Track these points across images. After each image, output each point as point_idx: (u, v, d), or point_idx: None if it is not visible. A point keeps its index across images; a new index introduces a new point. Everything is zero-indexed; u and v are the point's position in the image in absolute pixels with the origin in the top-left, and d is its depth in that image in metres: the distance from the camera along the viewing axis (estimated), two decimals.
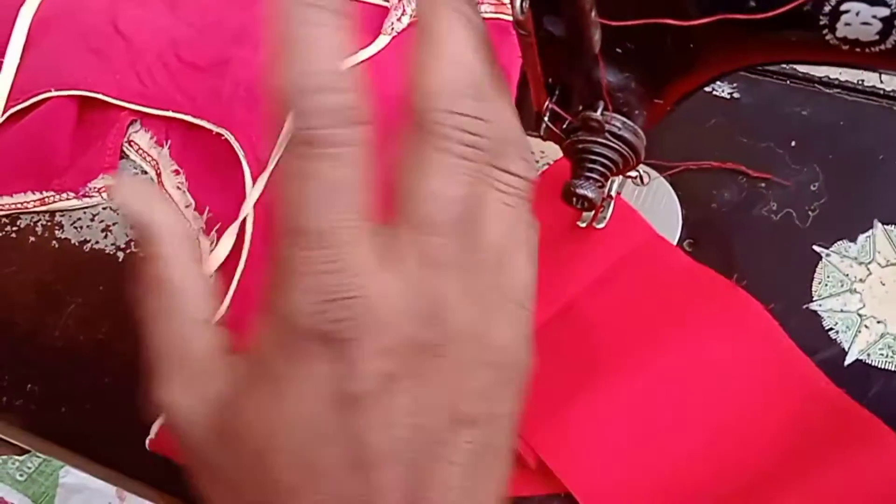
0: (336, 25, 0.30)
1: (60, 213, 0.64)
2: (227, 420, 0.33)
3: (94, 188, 0.64)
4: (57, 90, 0.65)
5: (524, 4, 0.35)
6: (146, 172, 0.65)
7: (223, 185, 0.62)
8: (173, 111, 0.64)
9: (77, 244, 0.63)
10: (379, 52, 0.63)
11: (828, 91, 0.58)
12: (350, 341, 0.30)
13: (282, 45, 0.30)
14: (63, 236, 0.63)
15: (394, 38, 0.64)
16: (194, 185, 0.63)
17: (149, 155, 0.65)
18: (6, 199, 0.64)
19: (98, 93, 0.65)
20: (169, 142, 0.65)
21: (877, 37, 0.33)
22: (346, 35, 0.31)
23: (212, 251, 0.59)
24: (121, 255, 0.62)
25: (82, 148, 0.66)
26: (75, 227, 0.63)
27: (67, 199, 0.64)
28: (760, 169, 0.56)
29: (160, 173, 0.64)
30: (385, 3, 0.66)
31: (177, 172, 0.64)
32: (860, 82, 0.58)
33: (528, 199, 0.34)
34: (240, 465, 0.32)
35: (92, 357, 0.58)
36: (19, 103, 0.66)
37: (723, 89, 0.60)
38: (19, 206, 0.64)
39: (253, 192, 0.59)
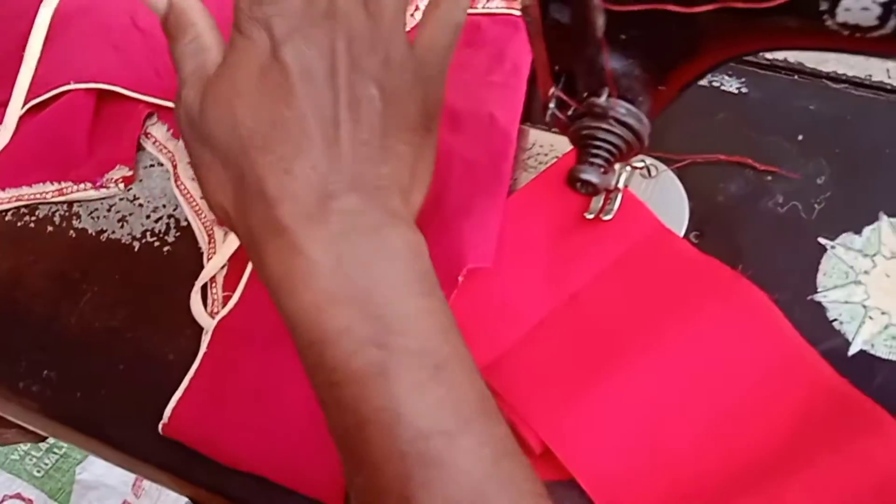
0: None
1: (78, 204, 0.65)
2: (209, 96, 0.44)
3: (112, 179, 0.65)
4: (76, 83, 0.67)
5: None
6: (162, 164, 0.66)
7: None
8: None
9: (94, 234, 0.64)
10: None
11: (835, 86, 0.59)
12: (272, 18, 0.43)
13: None
14: (80, 226, 0.64)
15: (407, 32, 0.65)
16: None
17: (165, 147, 0.66)
18: (25, 190, 0.66)
19: (117, 86, 0.67)
20: None
21: (877, 21, 0.34)
22: None
23: (225, 239, 0.60)
24: (136, 244, 0.63)
25: (100, 140, 0.67)
26: (92, 217, 0.65)
27: (85, 189, 0.65)
28: (767, 162, 0.57)
29: (176, 165, 0.65)
30: None
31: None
32: (868, 77, 0.59)
33: None
34: (218, 125, 0.43)
35: (106, 344, 0.59)
36: (39, 96, 0.67)
37: (731, 84, 0.60)
38: (38, 196, 0.65)
39: None
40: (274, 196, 0.41)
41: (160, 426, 0.55)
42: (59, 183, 0.66)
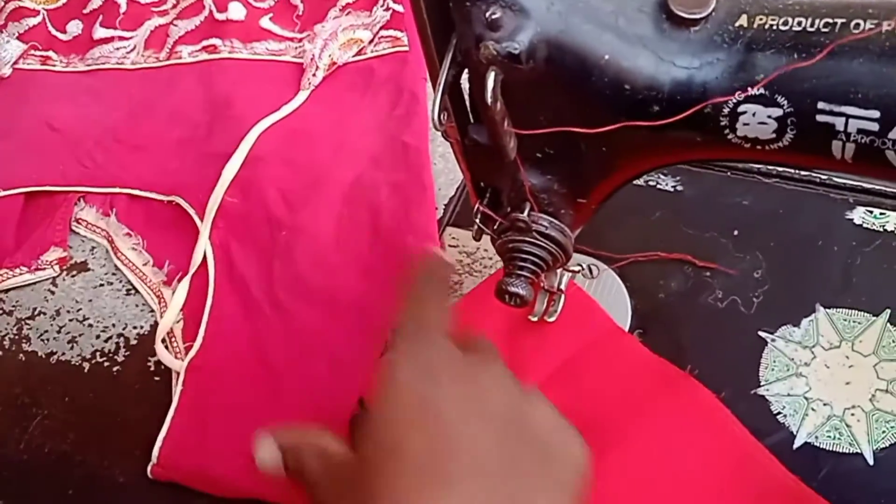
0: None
1: (28, 327, 0.65)
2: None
3: (46, 261, 0.67)
4: (4, 190, 0.70)
5: (441, 117, 0.37)
6: (111, 283, 0.66)
7: (176, 240, 0.67)
8: (119, 187, 0.70)
9: (44, 356, 0.64)
10: (301, 104, 0.72)
11: (766, 181, 0.60)
12: None
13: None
14: (30, 349, 0.64)
15: (312, 91, 0.73)
16: (149, 244, 0.68)
17: (97, 227, 0.69)
18: None
19: (43, 185, 0.70)
20: (115, 210, 0.70)
21: (774, 135, 0.35)
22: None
23: (174, 296, 0.63)
24: (86, 365, 0.63)
25: (31, 228, 0.70)
26: (42, 340, 0.65)
27: (21, 273, 0.67)
28: (705, 258, 0.58)
29: (112, 240, 0.68)
30: (299, 61, 0.75)
31: (129, 235, 0.68)
32: (797, 171, 0.60)
33: None
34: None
35: (56, 468, 0.59)
36: None
37: (666, 182, 0.62)
38: None
39: (201, 240, 0.65)
40: None
41: (149, 468, 0.56)
42: None
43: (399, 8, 0.74)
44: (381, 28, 0.74)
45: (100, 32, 0.81)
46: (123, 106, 0.75)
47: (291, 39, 0.77)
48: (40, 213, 0.70)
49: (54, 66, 0.80)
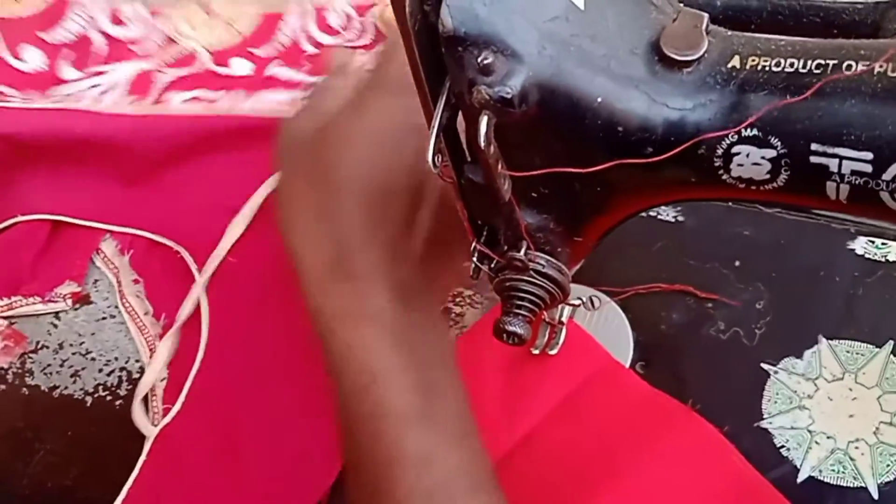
0: None
1: (31, 360, 0.65)
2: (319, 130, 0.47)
3: (60, 294, 0.67)
4: (23, 215, 0.69)
5: (436, 158, 0.37)
6: (114, 317, 0.67)
7: (177, 292, 0.66)
8: (135, 227, 0.69)
9: (47, 390, 0.64)
10: None
11: (768, 211, 0.60)
12: None
13: None
14: (33, 383, 0.64)
15: None
16: (152, 293, 0.67)
17: (112, 262, 0.68)
18: None
19: (63, 215, 0.69)
20: (131, 251, 0.69)
21: (768, 175, 0.35)
22: None
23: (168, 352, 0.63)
24: (89, 399, 0.63)
25: (53, 258, 0.69)
26: (45, 374, 0.65)
27: (33, 303, 0.67)
28: (707, 289, 0.58)
29: (120, 281, 0.67)
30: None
31: (136, 281, 0.67)
32: None
33: None
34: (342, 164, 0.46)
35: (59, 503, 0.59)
36: None
37: (667, 213, 0.62)
38: None
39: (191, 295, 0.64)
40: (361, 245, 0.45)
41: None
42: (9, 298, 0.67)
43: None
44: None
45: (68, 73, 0.75)
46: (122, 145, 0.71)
47: (300, 84, 0.73)
48: (63, 245, 0.69)
49: (9, 101, 0.73)
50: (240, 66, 0.73)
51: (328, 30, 0.74)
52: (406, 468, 0.43)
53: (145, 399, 0.61)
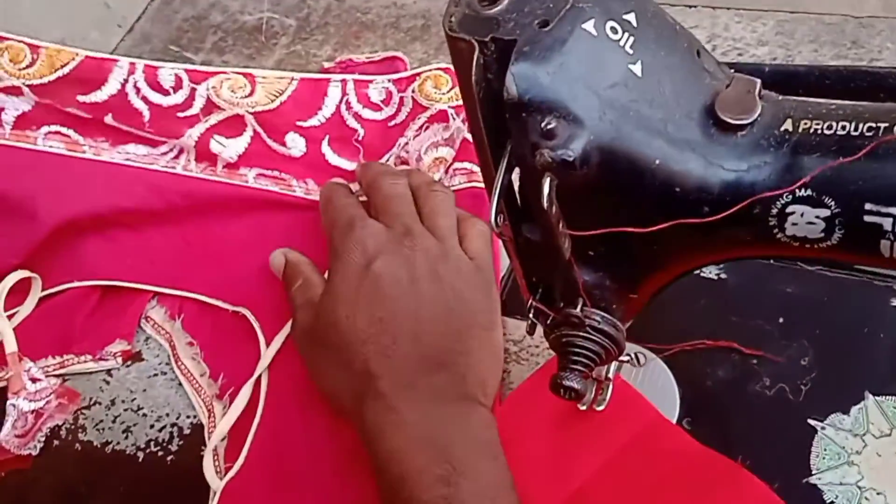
0: None
1: (83, 416, 0.67)
2: (321, 312, 0.59)
3: (110, 352, 0.69)
4: (79, 281, 0.71)
5: (499, 219, 0.39)
6: (165, 373, 0.68)
7: (236, 352, 0.67)
8: (188, 291, 0.70)
9: (99, 446, 0.65)
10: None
11: (809, 268, 0.61)
12: (366, 239, 0.58)
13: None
14: (86, 439, 0.66)
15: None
16: (208, 354, 0.68)
17: (163, 328, 0.70)
18: (29, 363, 0.68)
19: (114, 280, 0.71)
20: (182, 315, 0.70)
21: (822, 234, 0.36)
22: None
23: (224, 414, 0.63)
24: (141, 455, 0.64)
25: (102, 318, 0.70)
26: (97, 430, 0.66)
27: (84, 361, 0.69)
28: (751, 346, 0.59)
29: (174, 346, 0.68)
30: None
31: (191, 344, 0.69)
32: None
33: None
34: (329, 330, 0.57)
35: None
36: (45, 290, 0.72)
37: (710, 271, 0.63)
38: (42, 369, 0.68)
39: (267, 354, 0.65)
40: (376, 373, 0.54)
41: None
42: (61, 357, 0.69)
43: (469, 136, 0.69)
44: (456, 154, 0.70)
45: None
46: (182, 208, 0.73)
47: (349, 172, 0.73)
48: (116, 305, 0.71)
49: (83, 152, 0.74)
50: (294, 144, 0.74)
51: (369, 104, 0.75)
52: None
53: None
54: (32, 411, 0.66)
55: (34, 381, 0.66)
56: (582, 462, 0.56)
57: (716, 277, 0.63)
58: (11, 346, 0.68)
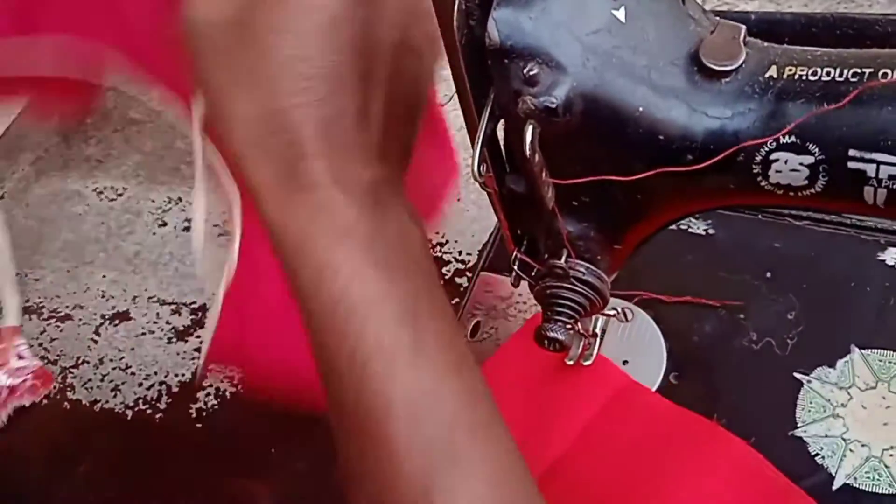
0: None
1: (72, 375, 0.67)
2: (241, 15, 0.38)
3: None
4: None
5: (482, 167, 0.38)
6: (153, 332, 0.68)
7: None
8: None
9: (88, 404, 0.65)
10: None
11: (797, 223, 0.61)
12: None
13: None
14: (74, 397, 0.66)
15: None
16: None
17: None
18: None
19: None
20: None
21: (806, 181, 0.36)
22: None
23: None
24: (129, 413, 0.64)
25: None
26: (86, 388, 0.66)
27: None
28: (738, 301, 0.59)
29: None
30: None
31: None
32: (827, 214, 0.61)
33: None
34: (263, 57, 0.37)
35: None
36: None
37: (698, 226, 0.63)
38: None
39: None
40: (314, 150, 0.38)
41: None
42: None
43: None
44: None
45: None
46: None
47: None
48: None
49: None
50: None
51: None
52: (400, 417, 0.37)
53: None
54: (8, 386, 0.66)
55: (20, 357, 0.66)
56: (557, 430, 0.56)
57: (703, 233, 0.63)
58: (14, 320, 0.68)
